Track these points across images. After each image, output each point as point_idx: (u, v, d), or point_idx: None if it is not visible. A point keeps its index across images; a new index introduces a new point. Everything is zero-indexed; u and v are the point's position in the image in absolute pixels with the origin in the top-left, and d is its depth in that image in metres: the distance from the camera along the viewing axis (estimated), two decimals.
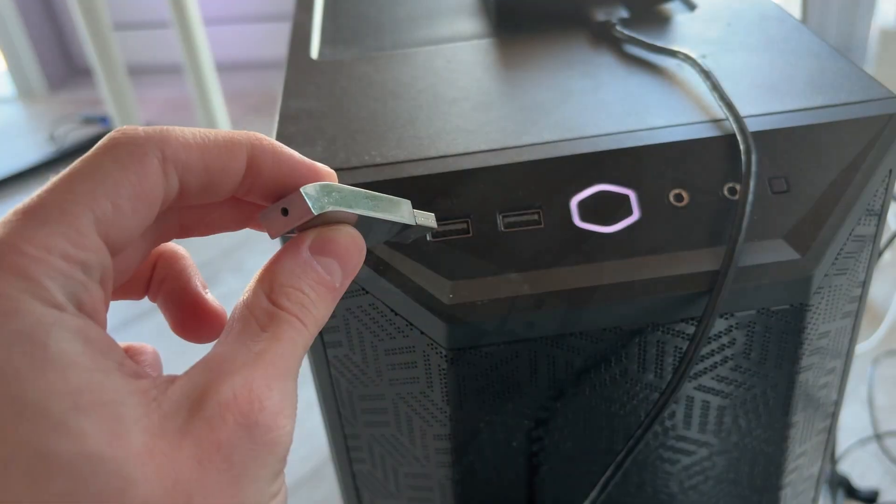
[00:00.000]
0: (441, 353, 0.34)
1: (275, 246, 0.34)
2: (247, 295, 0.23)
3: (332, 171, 0.25)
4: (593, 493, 0.35)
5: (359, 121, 0.39)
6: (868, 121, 0.36)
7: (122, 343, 0.23)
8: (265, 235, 0.26)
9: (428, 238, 0.35)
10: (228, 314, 0.24)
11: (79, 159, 0.21)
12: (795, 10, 0.83)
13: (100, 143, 0.21)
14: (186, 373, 0.21)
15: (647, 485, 0.41)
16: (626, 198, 0.35)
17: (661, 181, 0.35)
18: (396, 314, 0.35)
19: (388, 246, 0.34)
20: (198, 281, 0.26)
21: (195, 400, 0.20)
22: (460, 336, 0.34)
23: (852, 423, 1.04)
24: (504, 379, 0.35)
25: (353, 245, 0.24)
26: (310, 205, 0.23)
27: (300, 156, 0.24)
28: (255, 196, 0.24)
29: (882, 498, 0.95)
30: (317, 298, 0.23)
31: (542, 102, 0.40)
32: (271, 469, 0.20)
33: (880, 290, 1.24)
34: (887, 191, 0.38)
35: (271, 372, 0.21)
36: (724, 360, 0.36)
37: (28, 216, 0.19)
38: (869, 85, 0.39)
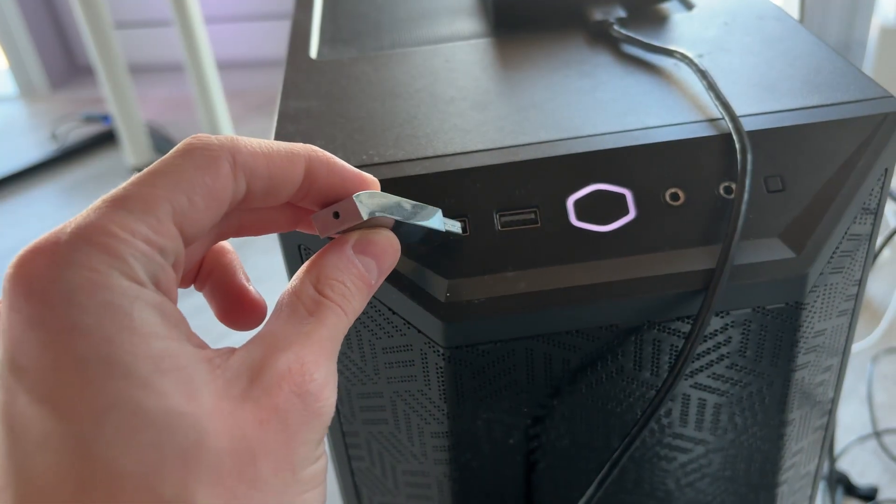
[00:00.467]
0: (438, 351, 0.35)
1: (273, 246, 0.35)
2: (294, 283, 0.25)
3: (376, 180, 0.28)
4: (590, 491, 0.35)
5: (357, 120, 0.40)
6: (863, 120, 0.37)
7: None
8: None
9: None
10: None
11: (158, 160, 0.23)
12: (794, 10, 0.83)
13: (178, 147, 0.23)
14: (244, 346, 0.23)
15: (644, 482, 0.41)
16: (623, 197, 0.35)
17: (657, 180, 0.36)
18: (394, 313, 0.35)
19: (416, 246, 0.35)
20: (242, 274, 0.29)
21: (254, 370, 0.22)
22: (457, 334, 0.34)
23: (851, 420, 1.04)
24: (501, 377, 0.36)
25: (389, 247, 0.28)
26: (360, 211, 0.26)
27: (350, 166, 0.27)
28: (307, 202, 0.27)
29: (881, 495, 0.95)
30: (356, 291, 0.26)
31: (539, 102, 0.40)
32: (317, 434, 0.23)
33: (879, 288, 1.24)
34: (883, 189, 0.38)
35: (318, 350, 0.24)
36: (720, 358, 0.36)
37: (115, 204, 0.21)
38: (865, 84, 0.39)
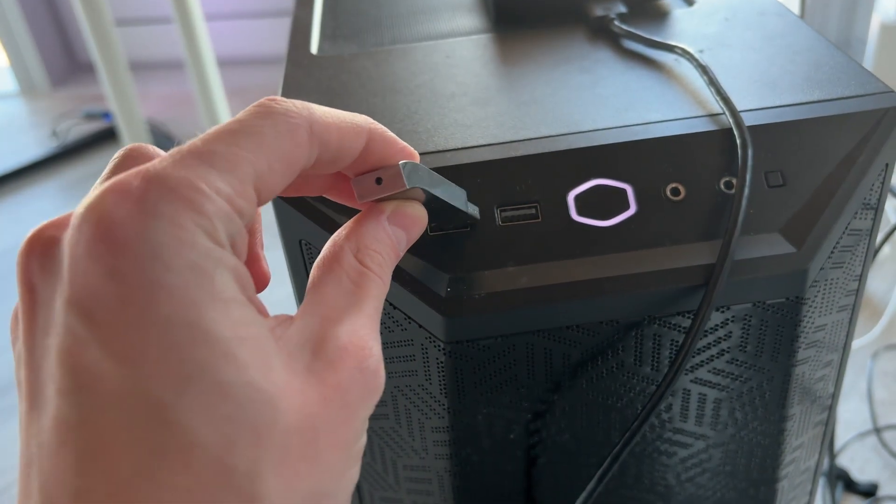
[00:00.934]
0: (439, 346, 0.35)
1: (274, 243, 0.35)
2: (333, 251, 0.25)
3: (417, 153, 0.28)
4: (590, 485, 0.35)
5: None
6: (864, 115, 0.37)
7: None
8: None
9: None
10: None
11: (234, 119, 0.22)
12: (794, 5, 0.83)
13: (257, 108, 0.23)
14: (299, 316, 0.23)
15: (644, 477, 0.41)
16: (623, 192, 0.35)
17: (657, 175, 0.36)
18: (395, 307, 0.35)
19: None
20: (260, 238, 0.29)
21: (315, 343, 0.22)
22: (458, 329, 0.34)
23: (852, 417, 1.04)
24: (501, 372, 0.36)
25: (420, 221, 0.28)
26: (405, 179, 0.26)
27: (400, 140, 0.28)
28: (351, 170, 0.27)
29: (881, 491, 0.95)
30: (390, 261, 0.26)
31: (539, 97, 0.40)
32: (370, 411, 0.23)
33: (880, 284, 1.24)
34: (884, 185, 0.38)
35: (370, 324, 0.24)
36: (721, 353, 0.36)
37: (201, 159, 0.21)
38: (866, 79, 0.39)
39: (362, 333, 0.23)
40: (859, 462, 1.00)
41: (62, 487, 0.18)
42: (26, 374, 0.20)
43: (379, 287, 0.25)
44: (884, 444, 1.01)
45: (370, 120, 0.26)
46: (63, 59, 2.48)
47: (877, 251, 0.68)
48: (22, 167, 1.94)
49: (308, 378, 0.21)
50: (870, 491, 0.95)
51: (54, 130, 2.12)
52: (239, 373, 0.19)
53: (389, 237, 0.27)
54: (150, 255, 0.19)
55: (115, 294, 0.19)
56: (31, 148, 2.05)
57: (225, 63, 2.21)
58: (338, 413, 0.22)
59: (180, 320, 0.19)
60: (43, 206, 1.81)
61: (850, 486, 0.96)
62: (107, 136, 2.04)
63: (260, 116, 0.22)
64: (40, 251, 0.21)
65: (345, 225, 0.26)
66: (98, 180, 0.23)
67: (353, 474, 0.23)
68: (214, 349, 0.19)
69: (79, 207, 0.20)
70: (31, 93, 2.41)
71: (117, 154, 0.24)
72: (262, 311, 0.22)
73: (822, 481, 0.94)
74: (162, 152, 0.23)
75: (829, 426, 0.46)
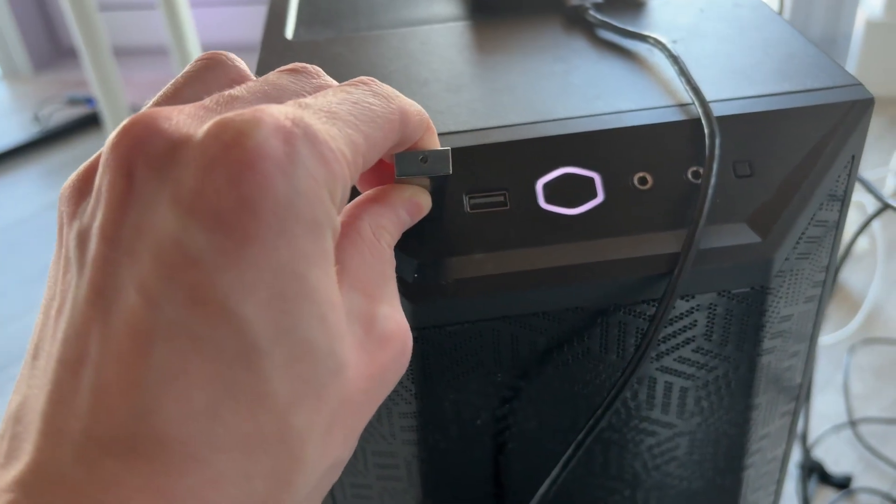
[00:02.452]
0: None
1: None
2: (350, 221, 0.25)
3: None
4: (554, 472, 0.35)
5: None
6: (832, 107, 0.37)
7: None
8: None
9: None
10: None
11: (344, 90, 0.23)
12: (774, 2, 0.84)
13: (364, 86, 0.24)
14: (345, 291, 0.22)
15: (611, 465, 0.41)
16: (591, 180, 0.36)
17: (625, 164, 0.36)
18: None
19: None
20: None
21: (365, 320, 0.22)
22: (425, 315, 0.34)
23: (828, 409, 1.05)
24: (468, 358, 0.36)
25: (424, 211, 0.30)
26: (450, 165, 0.29)
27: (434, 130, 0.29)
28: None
29: (855, 483, 0.96)
30: (394, 244, 0.27)
31: (512, 85, 0.40)
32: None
33: (858, 279, 1.25)
34: (850, 176, 0.38)
35: (398, 303, 0.24)
36: (686, 342, 0.37)
37: (330, 116, 0.21)
38: (835, 72, 0.39)
39: (399, 314, 0.24)
40: (834, 454, 1.01)
41: (125, 398, 0.17)
42: (97, 263, 0.19)
43: (393, 267, 0.26)
44: (858, 437, 1.02)
45: (423, 111, 0.27)
46: (46, 44, 2.46)
47: (852, 242, 0.68)
48: (4, 152, 1.92)
49: (361, 354, 0.21)
50: (844, 483, 0.96)
51: (36, 115, 2.10)
52: (325, 336, 0.20)
53: (401, 220, 0.27)
54: (287, 200, 0.19)
55: (243, 224, 0.18)
56: (13, 132, 2.03)
57: (209, 49, 2.20)
58: (376, 391, 0.22)
59: (294, 271, 0.19)
60: (25, 190, 1.80)
61: (825, 478, 0.97)
62: (90, 122, 2.02)
63: (372, 95, 0.23)
64: (155, 145, 0.19)
65: (360, 197, 0.27)
66: (172, 83, 0.23)
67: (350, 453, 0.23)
68: (314, 308, 0.19)
69: (223, 125, 0.19)
70: (13, 77, 2.39)
71: (199, 62, 0.24)
72: None
73: (796, 473, 0.95)
74: (250, 74, 0.24)
75: (796, 416, 0.46)
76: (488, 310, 0.35)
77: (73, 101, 2.12)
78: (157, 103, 0.23)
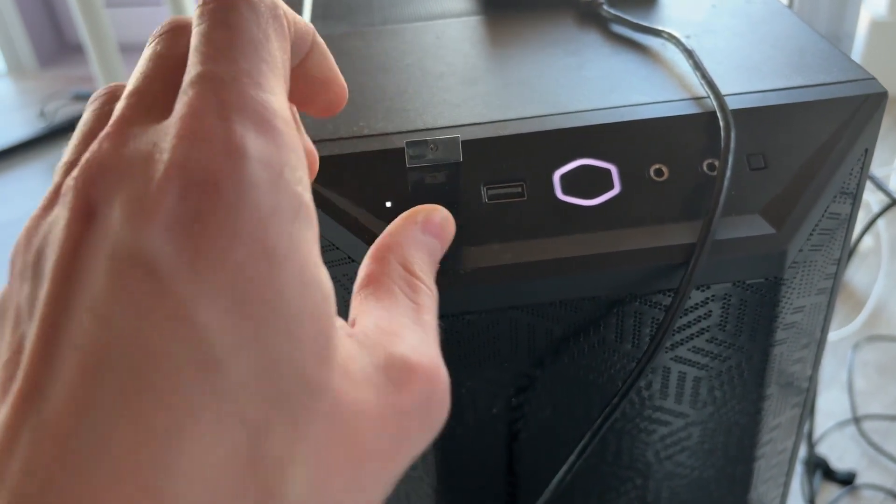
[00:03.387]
0: None
1: None
2: (377, 265, 0.23)
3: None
4: (570, 460, 0.36)
5: (348, 93, 0.40)
6: (845, 101, 0.37)
7: None
8: None
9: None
10: None
11: (235, 28, 0.19)
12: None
13: (245, 7, 0.20)
14: (360, 327, 0.20)
15: (623, 454, 0.42)
16: (608, 172, 0.36)
17: (642, 156, 0.36)
18: None
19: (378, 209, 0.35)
20: None
21: (376, 353, 0.20)
22: (443, 304, 0.35)
23: (832, 406, 1.06)
24: (485, 346, 0.36)
25: (449, 225, 0.26)
26: (460, 153, 0.28)
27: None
28: (293, 78, 0.24)
29: (859, 479, 0.97)
30: (432, 270, 0.25)
31: (527, 78, 0.41)
32: (426, 445, 0.20)
33: (863, 277, 1.26)
34: (863, 170, 0.38)
35: (436, 345, 0.21)
36: (701, 332, 0.37)
37: (259, 86, 0.19)
38: (848, 66, 0.39)
39: (431, 353, 0.21)
40: (838, 451, 1.01)
41: (75, 425, 0.16)
42: (48, 300, 0.17)
43: (432, 299, 0.23)
44: (862, 434, 1.02)
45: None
46: (52, 40, 2.46)
47: (858, 240, 0.69)
48: (9, 147, 1.93)
49: (366, 389, 0.19)
50: (848, 479, 0.97)
51: (42, 111, 2.11)
52: (295, 351, 0.17)
53: (427, 245, 0.25)
54: (239, 196, 0.17)
55: (197, 228, 0.17)
56: (19, 128, 2.04)
57: None
58: (393, 440, 0.19)
59: (256, 272, 0.17)
60: (30, 185, 1.80)
61: (829, 474, 0.97)
62: None
63: (263, 22, 0.20)
64: (103, 173, 0.18)
65: (380, 238, 0.25)
66: (77, 132, 0.20)
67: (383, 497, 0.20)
68: (279, 317, 0.17)
69: (150, 142, 0.18)
70: (19, 73, 2.39)
71: (98, 98, 0.22)
72: None
73: (801, 469, 0.96)
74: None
75: (805, 409, 0.47)
76: (505, 299, 0.35)
77: (79, 97, 2.13)
78: (80, 142, 0.21)
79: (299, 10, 0.51)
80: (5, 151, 1.92)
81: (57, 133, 1.98)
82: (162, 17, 2.13)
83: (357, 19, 0.50)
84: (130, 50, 2.34)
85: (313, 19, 0.50)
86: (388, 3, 0.52)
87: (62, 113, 2.08)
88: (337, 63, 0.24)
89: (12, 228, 1.63)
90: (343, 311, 0.21)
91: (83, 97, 2.12)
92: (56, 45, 2.47)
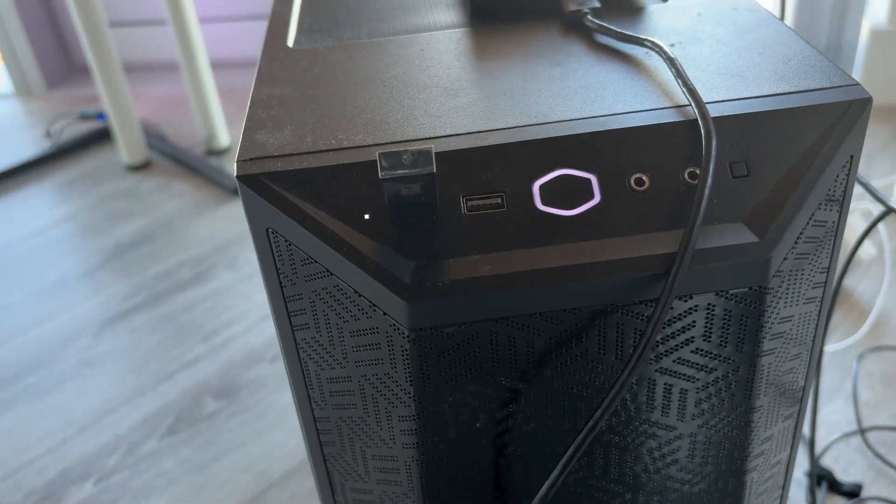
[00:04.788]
0: (403, 333, 0.35)
1: None
2: None
3: None
4: (554, 474, 0.35)
5: (329, 106, 0.40)
6: (829, 107, 0.37)
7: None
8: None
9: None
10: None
11: None
12: (769, 5, 0.84)
13: None
14: None
15: (611, 468, 0.41)
16: (588, 182, 0.36)
17: (622, 166, 0.36)
18: (360, 295, 0.35)
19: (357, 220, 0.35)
20: None
21: None
22: (422, 316, 0.34)
23: (837, 417, 1.04)
24: (466, 359, 0.36)
25: None
26: (434, 163, 0.30)
27: None
28: None
29: (865, 492, 0.95)
30: None
31: (509, 89, 0.40)
32: None
33: (866, 287, 1.25)
34: (849, 177, 0.38)
35: None
36: (685, 343, 0.37)
37: None
38: (832, 72, 0.39)
39: None
40: (843, 463, 1.00)
41: None
42: None
43: None
44: (868, 445, 1.01)
45: None
46: (59, 61, 2.48)
47: (856, 247, 0.68)
48: (16, 166, 1.94)
49: None
50: (854, 491, 0.95)
51: (48, 131, 2.12)
52: None
53: None
54: None
55: None
56: (26, 148, 2.05)
57: (218, 65, 2.22)
58: None
59: None
60: (36, 205, 1.81)
61: (834, 486, 0.96)
62: (101, 137, 2.04)
63: None
64: None
65: None
66: None
67: None
68: None
69: None
70: (26, 93, 2.41)
71: None
72: None
73: (805, 481, 0.94)
74: None
75: (800, 420, 0.46)
76: (486, 311, 0.35)
77: (85, 117, 2.14)
78: None
79: (286, 27, 0.51)
80: (12, 171, 1.93)
81: (63, 152, 1.99)
82: (165, 37, 2.14)
83: (343, 33, 0.50)
84: (135, 70, 2.35)
85: (299, 33, 0.50)
86: (374, 17, 0.52)
87: (68, 132, 2.09)
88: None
89: (20, 246, 1.64)
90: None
91: (89, 116, 2.13)
92: (63, 66, 2.49)
